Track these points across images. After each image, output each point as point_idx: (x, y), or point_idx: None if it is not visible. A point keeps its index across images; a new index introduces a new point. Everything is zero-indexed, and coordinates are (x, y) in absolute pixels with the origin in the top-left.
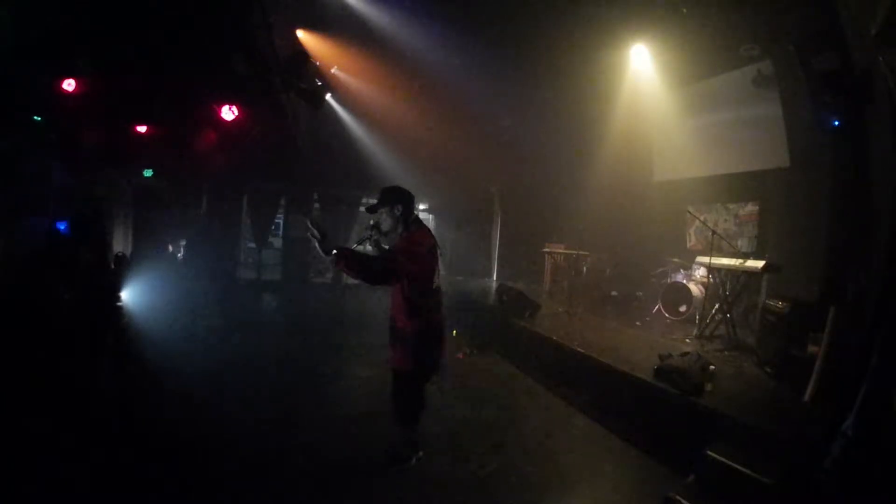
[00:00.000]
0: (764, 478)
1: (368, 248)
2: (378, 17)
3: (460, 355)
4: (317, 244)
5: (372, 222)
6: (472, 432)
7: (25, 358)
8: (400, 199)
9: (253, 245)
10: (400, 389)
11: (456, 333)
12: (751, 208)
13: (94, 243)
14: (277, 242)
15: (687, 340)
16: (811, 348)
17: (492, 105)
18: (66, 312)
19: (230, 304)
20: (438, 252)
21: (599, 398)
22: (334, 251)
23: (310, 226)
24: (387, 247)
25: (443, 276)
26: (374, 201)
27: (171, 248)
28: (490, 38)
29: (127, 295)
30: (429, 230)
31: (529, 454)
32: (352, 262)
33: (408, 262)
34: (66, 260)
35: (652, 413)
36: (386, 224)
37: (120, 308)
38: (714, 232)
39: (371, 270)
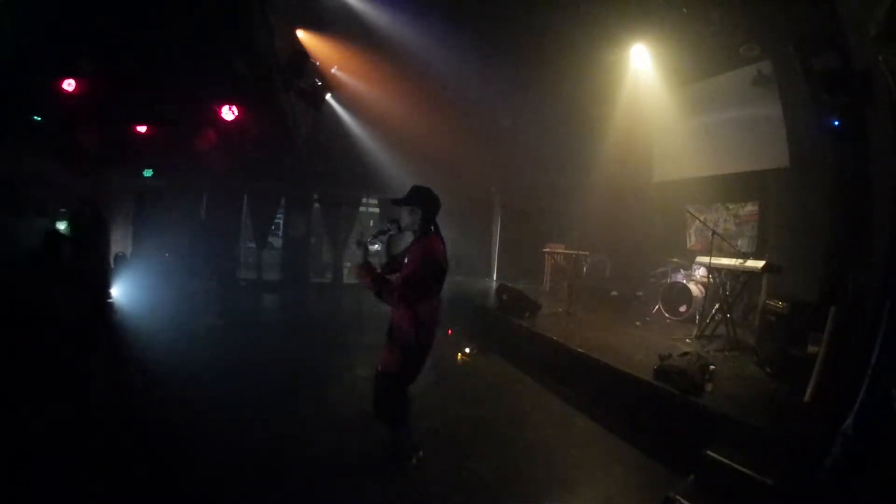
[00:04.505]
0: (764, 478)
1: (377, 246)
2: (378, 16)
3: (460, 355)
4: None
5: (392, 218)
6: (472, 432)
7: (21, 357)
8: (422, 201)
9: (253, 245)
10: (385, 390)
11: (452, 333)
12: (751, 208)
13: (94, 243)
14: (277, 242)
15: (687, 340)
16: (811, 348)
17: (492, 105)
18: (62, 312)
19: (230, 304)
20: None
21: (599, 398)
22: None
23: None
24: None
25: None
26: (374, 201)
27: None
28: (490, 38)
29: (123, 294)
30: (441, 240)
31: (529, 454)
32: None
33: (416, 289)
34: (64, 260)
35: (652, 413)
36: (405, 221)
37: (110, 305)
38: (714, 232)
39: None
